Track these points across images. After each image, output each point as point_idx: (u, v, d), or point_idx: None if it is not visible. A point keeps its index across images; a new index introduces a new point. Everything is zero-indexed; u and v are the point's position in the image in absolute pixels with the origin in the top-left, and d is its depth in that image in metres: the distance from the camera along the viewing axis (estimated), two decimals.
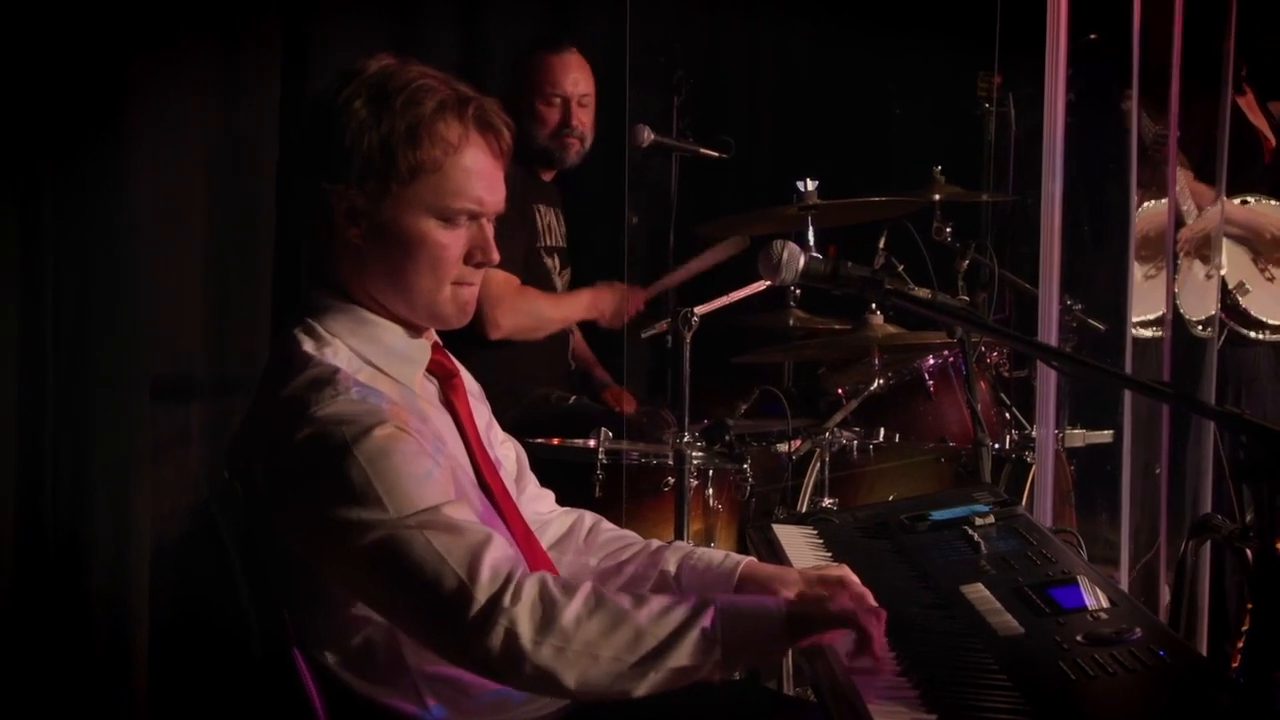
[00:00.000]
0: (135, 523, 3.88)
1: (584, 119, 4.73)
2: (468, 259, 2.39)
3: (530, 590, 2.11)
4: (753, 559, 2.63)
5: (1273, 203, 5.14)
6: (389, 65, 2.37)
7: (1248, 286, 5.10)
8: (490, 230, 2.42)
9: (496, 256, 2.44)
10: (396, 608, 2.21)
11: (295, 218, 2.50)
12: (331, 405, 2.21)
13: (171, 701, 4.01)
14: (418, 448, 2.22)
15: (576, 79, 4.73)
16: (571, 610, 2.10)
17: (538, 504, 2.77)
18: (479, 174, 2.37)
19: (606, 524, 2.79)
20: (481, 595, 2.09)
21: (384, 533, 2.14)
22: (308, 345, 2.33)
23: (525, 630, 2.08)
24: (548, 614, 2.09)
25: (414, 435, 2.23)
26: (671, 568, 2.62)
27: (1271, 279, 5.15)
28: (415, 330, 2.43)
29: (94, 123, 3.76)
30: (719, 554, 2.63)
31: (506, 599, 2.09)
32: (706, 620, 2.13)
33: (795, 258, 2.56)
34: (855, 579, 2.45)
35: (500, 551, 2.16)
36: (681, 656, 2.12)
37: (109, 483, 3.84)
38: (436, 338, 2.52)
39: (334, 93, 2.33)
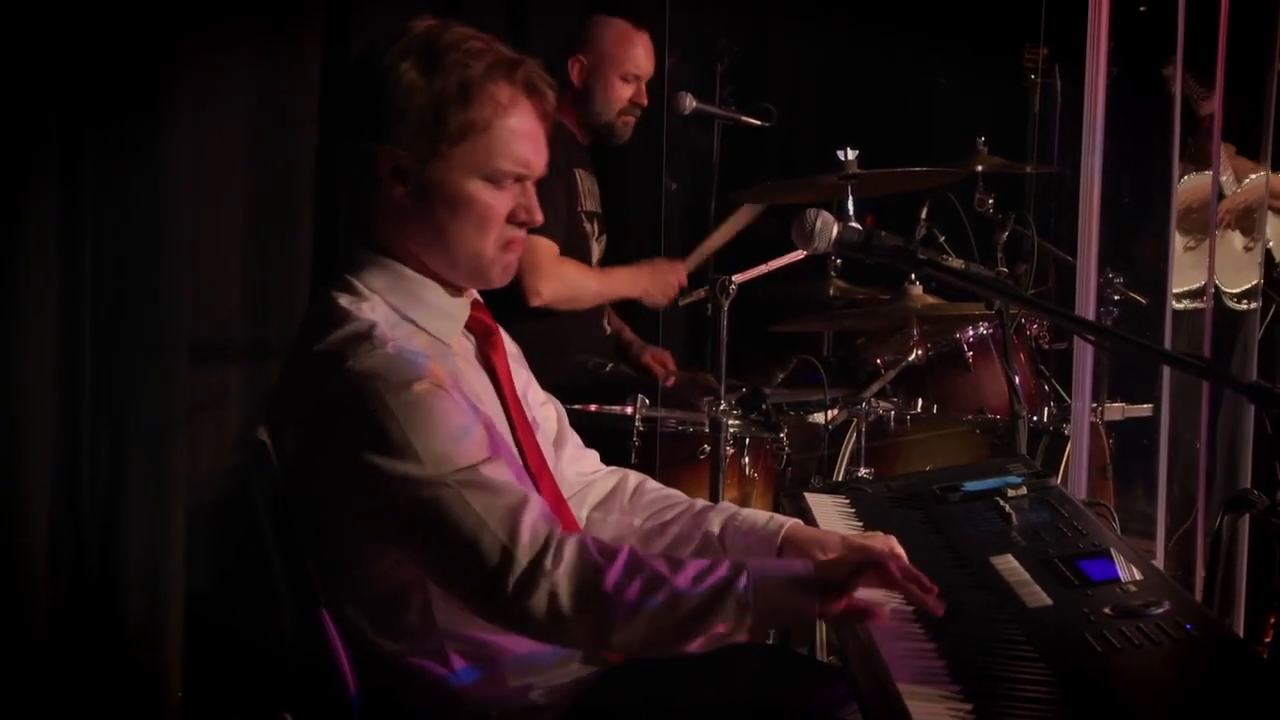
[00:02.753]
0: (171, 484, 3.90)
1: (644, 97, 4.68)
2: (511, 219, 2.40)
3: (571, 552, 2.12)
4: (797, 522, 2.64)
5: None
6: (434, 26, 2.37)
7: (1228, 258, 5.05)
8: (533, 191, 2.43)
9: (540, 217, 2.44)
10: (436, 565, 2.23)
11: (338, 176, 2.49)
12: (368, 360, 2.22)
13: (206, 661, 4.04)
14: (454, 404, 2.23)
15: (650, 57, 4.65)
16: (612, 573, 2.12)
17: (580, 464, 2.77)
18: (526, 135, 2.38)
19: (652, 483, 2.79)
20: (524, 557, 2.11)
21: (421, 489, 2.16)
22: (344, 301, 2.33)
23: (566, 592, 2.10)
24: (588, 576, 2.11)
25: (450, 392, 2.24)
26: (715, 529, 2.63)
27: None
28: (455, 288, 2.44)
29: (135, 85, 3.76)
30: (763, 516, 2.64)
31: (548, 561, 2.11)
32: (740, 585, 2.14)
33: (828, 226, 2.56)
34: (899, 547, 2.46)
35: (539, 512, 2.17)
36: (717, 620, 2.14)
37: (146, 444, 3.85)
38: (477, 295, 2.52)
39: (379, 53, 2.33)
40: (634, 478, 2.79)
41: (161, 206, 3.86)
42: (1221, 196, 4.97)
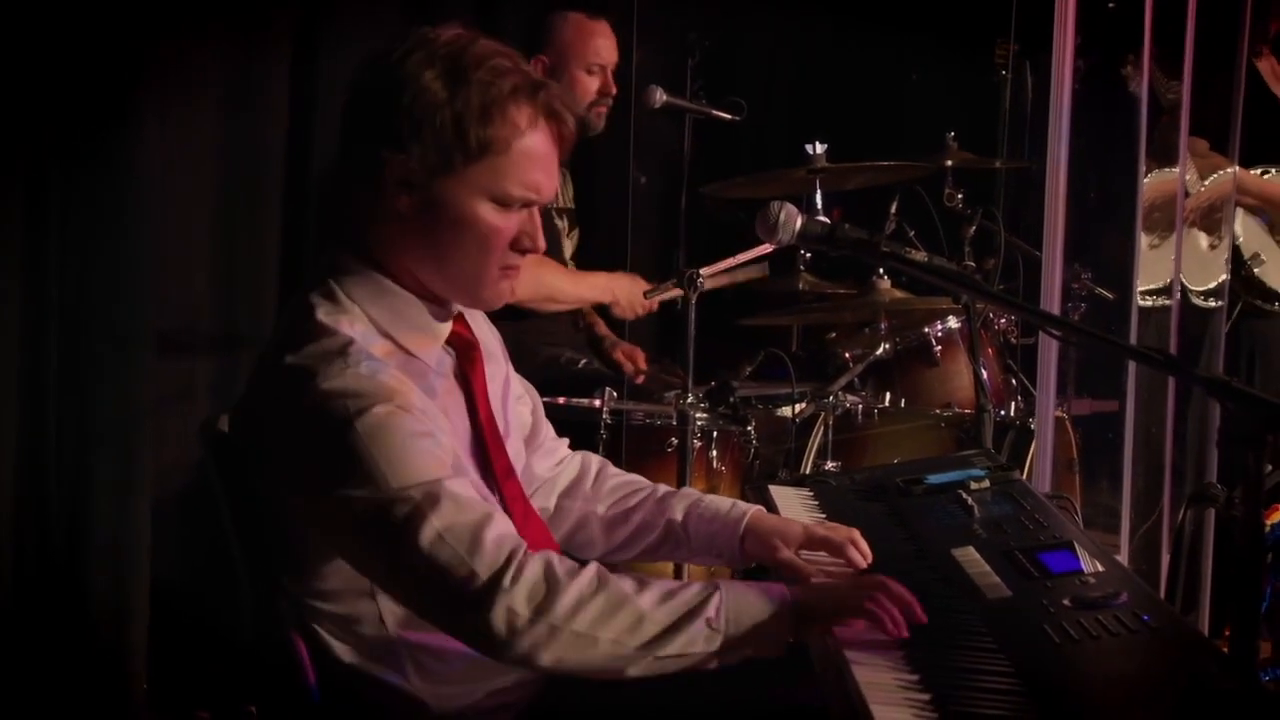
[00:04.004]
0: (137, 476, 3.89)
1: (612, 85, 4.67)
2: (514, 244, 2.34)
3: (533, 570, 2.09)
4: (760, 509, 2.64)
5: None
6: (461, 36, 2.32)
7: (1263, 257, 5.07)
8: (539, 218, 2.38)
9: (543, 245, 2.40)
10: (397, 582, 2.20)
11: (339, 176, 2.43)
12: (338, 379, 2.18)
13: (172, 654, 4.03)
14: (418, 424, 2.19)
15: (612, 45, 4.63)
16: (572, 592, 2.09)
17: (552, 457, 2.76)
18: (541, 160, 2.32)
19: (612, 469, 2.78)
20: (483, 572, 2.08)
21: (382, 509, 2.12)
22: (324, 310, 2.28)
23: (523, 610, 2.07)
24: (549, 595, 2.08)
25: (416, 413, 2.20)
26: (679, 515, 2.63)
27: None
28: (440, 306, 2.40)
29: (103, 79, 3.75)
30: (726, 502, 2.64)
31: (507, 579, 2.07)
32: (711, 610, 2.13)
33: (792, 218, 2.56)
34: (861, 540, 2.48)
35: (502, 528, 2.14)
36: (682, 645, 2.11)
37: (112, 436, 3.84)
38: (461, 309, 2.49)
39: (401, 59, 2.27)
40: (595, 463, 2.78)
41: (128, 198, 3.85)
42: (1186, 194, 4.98)
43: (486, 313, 2.58)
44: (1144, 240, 4.87)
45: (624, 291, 4.62)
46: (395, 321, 2.33)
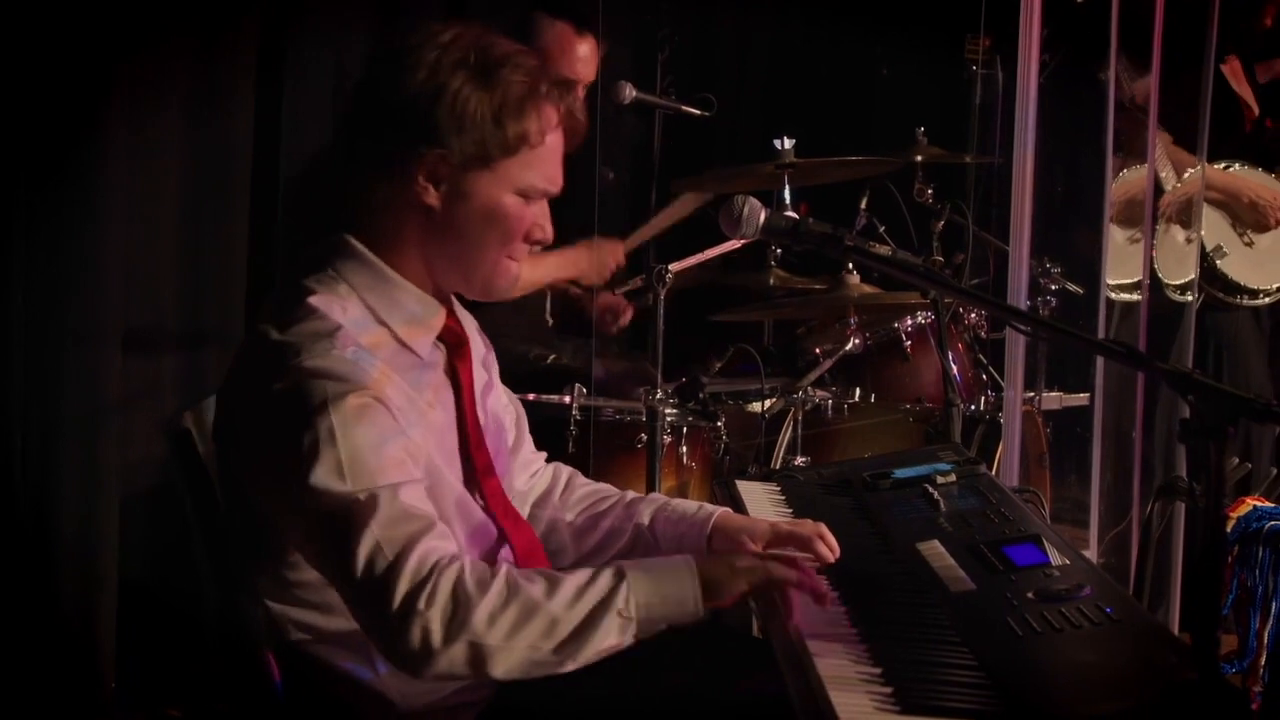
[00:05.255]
0: (104, 473, 3.89)
1: (583, 101, 4.63)
2: (527, 235, 2.40)
3: (444, 588, 2.09)
4: (726, 510, 2.66)
5: (1247, 169, 5.13)
6: (483, 34, 2.36)
7: (1225, 250, 5.09)
8: (549, 211, 2.44)
9: (552, 235, 2.45)
10: (336, 581, 2.20)
11: (353, 169, 2.41)
12: (322, 359, 2.19)
13: (139, 654, 4.02)
14: (390, 422, 2.20)
15: (591, 62, 4.58)
16: (484, 606, 2.09)
17: (527, 471, 2.77)
18: (559, 155, 2.40)
19: (580, 479, 2.80)
20: (401, 589, 2.08)
21: (332, 500, 2.13)
22: (318, 294, 2.30)
23: (438, 630, 2.07)
24: (460, 612, 2.08)
25: (391, 408, 2.21)
26: (646, 519, 2.64)
27: (1250, 244, 5.14)
28: (437, 298, 2.42)
29: (68, 74, 3.74)
30: (693, 505, 2.65)
31: (422, 600, 2.07)
32: (620, 601, 2.14)
33: (756, 213, 2.56)
34: (829, 534, 2.48)
35: (434, 542, 2.14)
36: (599, 639, 2.13)
37: (78, 433, 3.84)
38: (454, 304, 2.50)
39: (421, 56, 2.30)
40: (565, 473, 2.81)
41: (95, 195, 3.85)
42: (1163, 190, 5.00)
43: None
44: (1123, 235, 4.90)
45: (587, 263, 4.62)
46: (392, 310, 2.35)
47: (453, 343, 2.47)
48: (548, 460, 2.85)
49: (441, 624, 2.08)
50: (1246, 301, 5.14)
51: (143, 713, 4.03)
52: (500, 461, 2.57)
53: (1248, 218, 5.13)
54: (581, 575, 2.17)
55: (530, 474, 2.78)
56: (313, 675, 2.34)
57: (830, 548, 2.49)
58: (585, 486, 2.78)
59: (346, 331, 2.25)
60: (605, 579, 2.16)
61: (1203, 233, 4.98)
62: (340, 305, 2.29)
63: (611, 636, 2.14)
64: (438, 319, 2.42)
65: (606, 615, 2.14)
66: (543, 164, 2.36)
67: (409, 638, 2.07)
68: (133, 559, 4.00)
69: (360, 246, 2.36)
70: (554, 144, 2.38)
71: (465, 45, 2.31)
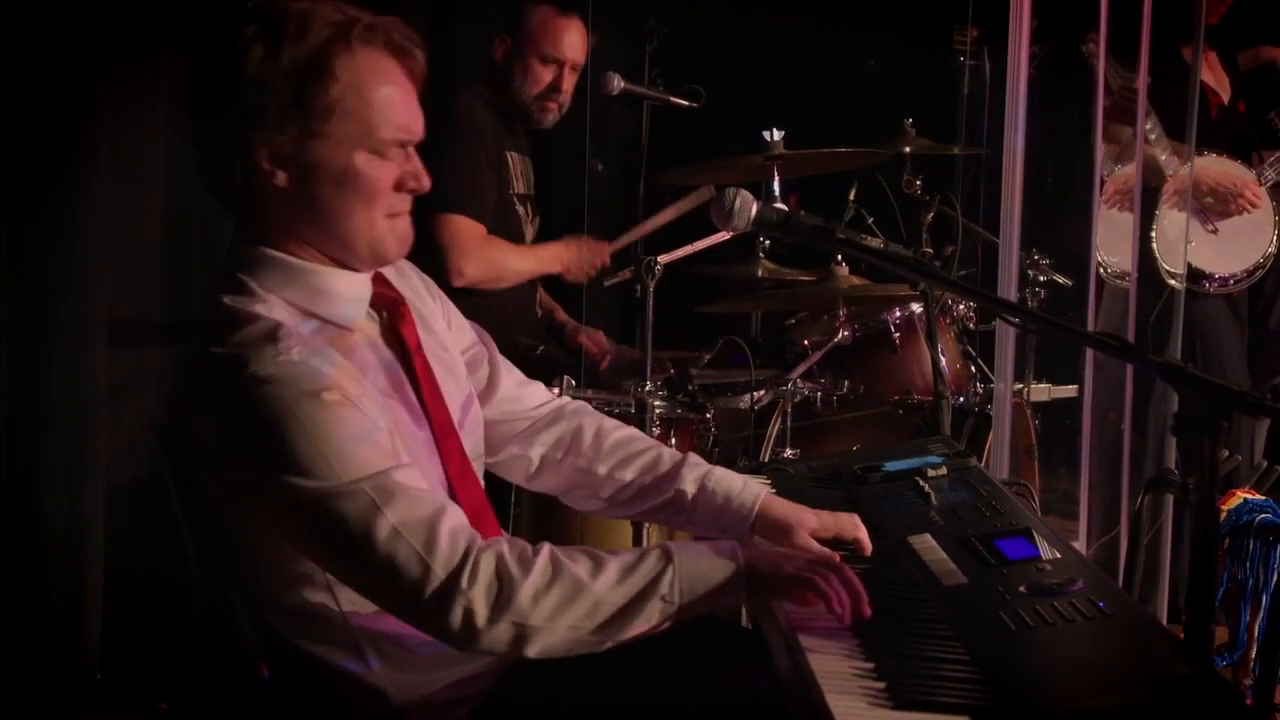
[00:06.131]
0: (90, 466, 3.87)
1: (570, 85, 4.64)
2: (398, 187, 2.31)
3: (487, 566, 2.08)
4: (771, 493, 2.61)
5: (1213, 157, 5.13)
6: (268, 4, 2.26)
7: (1191, 239, 5.09)
8: (417, 157, 2.34)
9: (428, 183, 2.35)
10: (353, 577, 2.18)
11: (207, 170, 2.35)
12: (271, 366, 2.13)
13: (125, 646, 4.01)
14: (357, 413, 2.16)
15: (576, 44, 4.60)
16: (529, 586, 2.08)
17: (520, 401, 2.72)
18: (400, 101, 2.29)
19: (609, 423, 2.74)
20: (440, 571, 2.07)
21: (333, 501, 2.10)
22: (239, 302, 2.23)
23: (482, 609, 2.07)
24: (505, 592, 2.08)
25: (354, 399, 2.17)
26: (689, 488, 2.60)
27: (1214, 231, 5.15)
28: (353, 269, 2.35)
29: (54, 69, 3.72)
30: (737, 483, 2.60)
31: (464, 579, 2.07)
32: (665, 586, 2.13)
33: (747, 205, 2.55)
34: (862, 526, 2.49)
35: (455, 521, 2.13)
36: (640, 622, 2.13)
37: (65, 426, 3.82)
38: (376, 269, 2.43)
39: (231, 33, 2.22)
40: (590, 421, 2.73)
41: (81, 189, 3.84)
42: (1165, 176, 5.01)
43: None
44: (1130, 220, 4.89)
45: (573, 258, 4.61)
46: (313, 298, 2.29)
47: (388, 306, 2.41)
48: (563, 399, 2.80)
49: (487, 603, 2.07)
50: (1214, 289, 5.15)
51: (130, 706, 4.02)
52: (468, 412, 2.53)
53: (1210, 206, 5.13)
54: (628, 556, 2.17)
55: (527, 405, 2.72)
56: (304, 669, 2.31)
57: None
58: (616, 433, 2.72)
59: (287, 327, 2.20)
60: (652, 561, 2.15)
61: (1205, 226, 4.99)
62: (264, 308, 2.23)
63: (653, 620, 2.14)
64: (364, 290, 2.37)
65: (651, 599, 2.13)
66: (380, 115, 2.25)
67: (450, 618, 2.07)
68: (119, 551, 3.99)
69: (257, 247, 2.29)
70: (388, 92, 2.26)
71: (258, 17, 2.22)
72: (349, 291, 2.34)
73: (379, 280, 2.41)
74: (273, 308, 2.24)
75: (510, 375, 2.74)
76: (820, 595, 2.15)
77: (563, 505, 2.81)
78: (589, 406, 2.79)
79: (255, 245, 2.30)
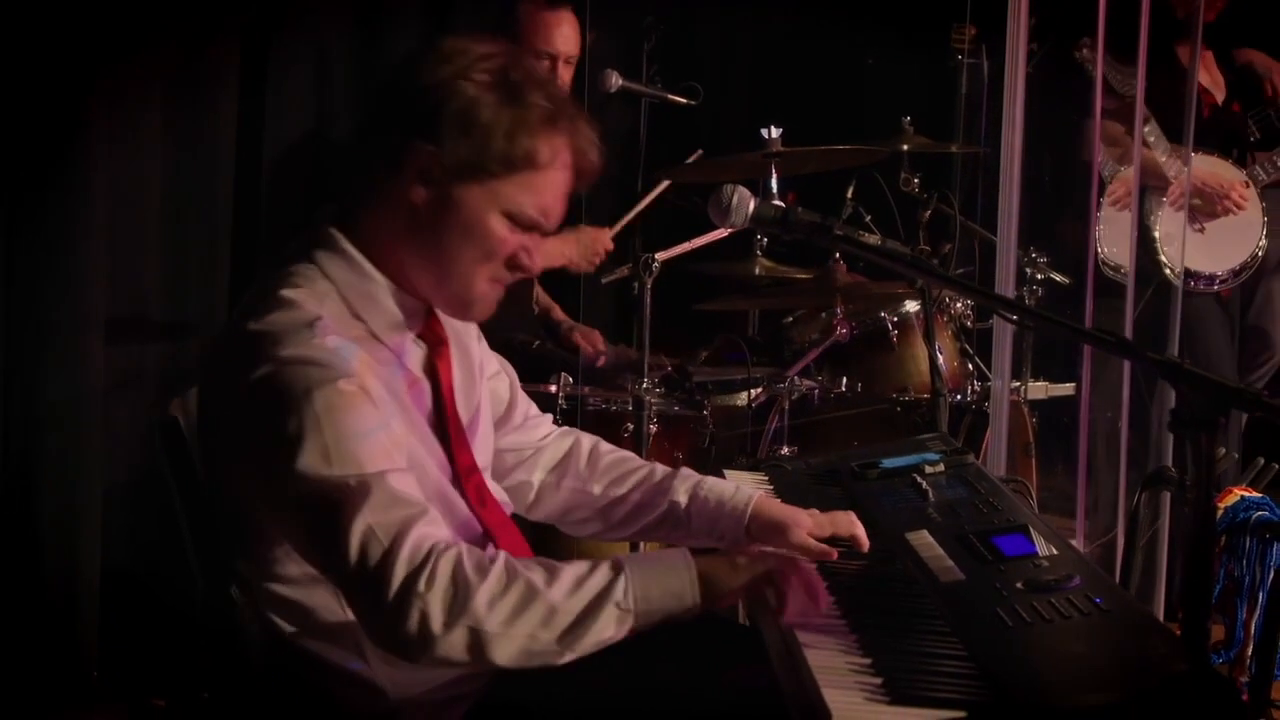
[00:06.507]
0: (87, 463, 3.87)
1: (566, 77, 4.64)
2: (510, 261, 2.33)
3: (444, 570, 2.07)
4: (764, 495, 2.63)
5: (1204, 156, 5.13)
6: (522, 57, 2.35)
7: (1174, 236, 5.10)
8: (540, 244, 2.37)
9: (538, 270, 2.42)
10: (327, 570, 2.19)
11: (355, 160, 2.38)
12: (302, 348, 2.16)
13: (122, 643, 4.01)
14: (373, 410, 2.18)
15: (567, 37, 4.58)
16: (484, 591, 2.07)
17: (530, 433, 2.75)
18: (561, 190, 2.33)
19: (605, 445, 2.78)
20: (399, 573, 2.06)
21: (320, 485, 2.11)
22: (296, 287, 2.27)
23: (438, 613, 2.05)
24: (460, 597, 2.07)
25: (374, 397, 2.19)
26: (682, 499, 2.63)
27: (1200, 229, 5.15)
28: (418, 299, 2.38)
29: (51, 67, 3.72)
30: (729, 488, 2.62)
31: (421, 583, 2.06)
32: (619, 593, 2.13)
33: (745, 202, 2.55)
34: (859, 523, 2.49)
35: (428, 528, 2.12)
36: (596, 631, 2.12)
37: (62, 422, 3.82)
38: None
39: (447, 60, 2.27)
40: (587, 440, 2.78)
41: (78, 185, 3.83)
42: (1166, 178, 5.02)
43: None
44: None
45: (575, 250, 4.61)
46: (368, 306, 2.32)
47: (432, 342, 2.44)
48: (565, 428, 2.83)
49: (442, 607, 2.06)
50: (1203, 287, 5.15)
51: (126, 702, 4.02)
52: (489, 440, 2.56)
53: (1197, 207, 5.14)
54: (580, 566, 2.16)
55: (540, 435, 2.75)
56: (302, 666, 2.31)
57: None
58: (610, 454, 2.75)
59: (325, 322, 2.22)
60: (603, 571, 2.15)
61: (1192, 225, 5.00)
62: (316, 300, 2.26)
63: (610, 628, 2.12)
64: (416, 319, 2.39)
65: (605, 606, 2.12)
66: (539, 192, 2.29)
67: (407, 623, 2.05)
68: (116, 548, 3.99)
69: (343, 240, 2.33)
70: (557, 178, 2.31)
71: (499, 57, 2.28)
72: (399, 316, 2.36)
73: (431, 316, 2.43)
74: (325, 301, 2.27)
75: (526, 407, 2.77)
76: (775, 581, 2.19)
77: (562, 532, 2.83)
78: (587, 434, 2.81)
79: (346, 237, 2.34)
